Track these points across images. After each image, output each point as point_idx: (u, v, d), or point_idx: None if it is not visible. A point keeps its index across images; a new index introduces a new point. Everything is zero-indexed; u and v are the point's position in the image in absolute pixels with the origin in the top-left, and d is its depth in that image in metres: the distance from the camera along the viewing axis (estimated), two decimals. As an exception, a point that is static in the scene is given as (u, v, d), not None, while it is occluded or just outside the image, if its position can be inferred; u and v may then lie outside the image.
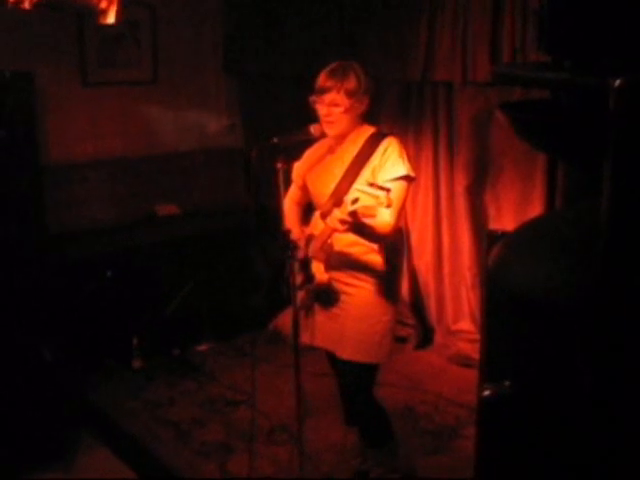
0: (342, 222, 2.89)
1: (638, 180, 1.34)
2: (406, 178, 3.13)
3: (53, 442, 3.98)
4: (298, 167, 3.43)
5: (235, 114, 6.13)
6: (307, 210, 3.54)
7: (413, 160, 4.88)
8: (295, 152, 3.43)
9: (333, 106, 3.14)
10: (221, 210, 5.76)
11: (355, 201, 2.79)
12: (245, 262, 5.33)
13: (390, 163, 3.13)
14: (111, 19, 3.79)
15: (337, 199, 3.07)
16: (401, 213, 3.18)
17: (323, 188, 3.28)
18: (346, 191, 3.09)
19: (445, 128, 4.87)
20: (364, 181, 3.08)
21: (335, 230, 2.98)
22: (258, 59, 5.68)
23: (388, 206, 2.80)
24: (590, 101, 1.45)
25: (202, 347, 5.35)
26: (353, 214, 2.85)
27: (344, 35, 5.09)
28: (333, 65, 3.19)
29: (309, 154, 3.44)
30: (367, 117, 3.28)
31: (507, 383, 1.60)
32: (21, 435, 3.87)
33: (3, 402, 3.84)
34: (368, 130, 3.25)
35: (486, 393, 1.61)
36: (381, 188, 2.77)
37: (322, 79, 3.16)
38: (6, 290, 4.07)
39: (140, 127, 5.63)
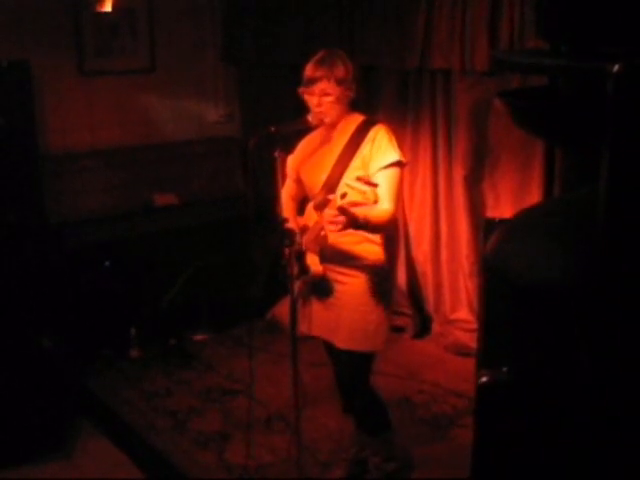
0: (333, 221, 2.87)
1: (636, 166, 1.33)
2: (398, 164, 3.13)
3: (52, 431, 3.99)
4: (291, 160, 3.42)
5: (233, 103, 6.11)
6: (304, 203, 3.53)
7: (411, 149, 4.93)
8: (293, 141, 3.42)
9: (324, 96, 3.13)
10: (219, 199, 5.74)
11: (344, 196, 2.80)
12: (243, 252, 5.32)
13: (381, 151, 3.13)
14: (108, 7, 3.79)
15: (329, 189, 3.07)
16: (398, 199, 3.19)
17: (315, 179, 3.28)
18: (337, 181, 3.10)
19: (443, 117, 4.86)
20: (354, 170, 3.09)
21: (331, 231, 2.98)
22: (256, 48, 5.66)
23: (375, 202, 2.80)
24: (588, 87, 1.45)
25: (200, 337, 5.35)
26: (342, 209, 2.83)
27: (343, 23, 5.08)
28: (319, 55, 3.17)
29: (301, 146, 3.43)
30: (363, 105, 3.28)
31: (504, 369, 1.60)
32: (21, 424, 3.88)
33: (2, 391, 3.84)
34: (357, 118, 3.25)
35: (483, 379, 1.61)
36: (368, 183, 2.77)
37: (310, 70, 3.14)
38: (5, 279, 4.07)
39: (137, 116, 5.61)
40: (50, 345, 4.06)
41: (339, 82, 3.12)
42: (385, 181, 3.03)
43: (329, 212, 2.88)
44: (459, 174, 4.83)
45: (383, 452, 3.62)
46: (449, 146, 4.88)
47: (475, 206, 4.84)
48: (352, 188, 2.77)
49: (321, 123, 3.20)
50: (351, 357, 3.31)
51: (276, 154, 3.02)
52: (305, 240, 3.18)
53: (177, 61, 5.73)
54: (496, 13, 4.26)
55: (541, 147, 4.33)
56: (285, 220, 3.10)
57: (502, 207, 4.62)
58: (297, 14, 5.32)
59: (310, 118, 3.17)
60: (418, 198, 5.14)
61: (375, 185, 2.78)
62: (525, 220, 1.83)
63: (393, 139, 3.18)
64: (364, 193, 2.75)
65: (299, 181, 3.43)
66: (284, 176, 3.27)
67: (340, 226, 2.88)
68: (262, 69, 5.81)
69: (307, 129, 3.33)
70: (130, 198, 5.45)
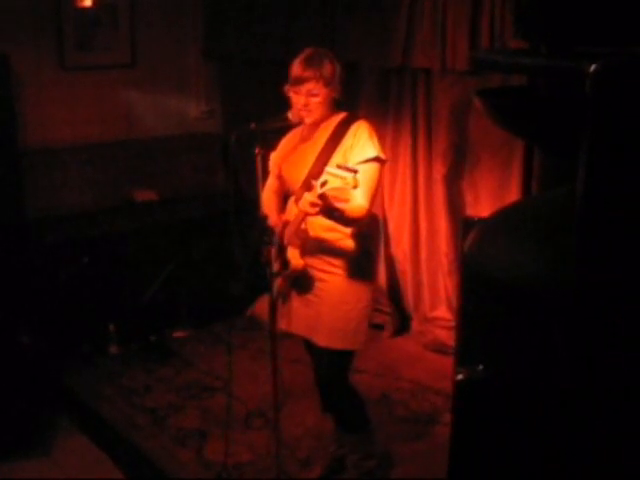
0: (313, 205, 2.88)
1: (613, 165, 1.34)
2: (377, 160, 3.13)
3: (31, 428, 3.96)
4: (274, 157, 3.42)
5: (214, 99, 6.10)
6: (286, 199, 3.53)
7: (391, 147, 4.93)
8: (274, 138, 3.42)
9: (311, 96, 3.12)
10: (200, 196, 5.73)
11: (324, 184, 2.80)
12: (223, 248, 5.31)
13: (360, 145, 3.13)
14: (88, 1, 3.77)
15: (310, 185, 3.07)
16: (374, 195, 3.18)
17: (297, 175, 3.27)
18: (318, 176, 3.09)
19: (424, 115, 4.87)
20: (335, 164, 3.08)
21: (307, 214, 2.97)
22: (238, 44, 5.64)
23: (355, 187, 2.79)
24: (567, 87, 1.46)
25: (179, 333, 5.34)
26: (322, 197, 2.84)
27: (325, 20, 5.07)
28: (306, 53, 3.15)
29: (284, 143, 3.43)
30: (343, 103, 3.28)
31: (480, 367, 1.61)
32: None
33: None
34: (340, 116, 3.25)
35: (460, 377, 1.61)
36: (348, 169, 2.77)
37: (299, 69, 3.12)
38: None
39: (118, 112, 5.59)
40: (28, 341, 4.03)
41: (327, 83, 3.11)
42: (361, 176, 2.97)
43: (308, 195, 2.89)
44: (439, 172, 4.84)
45: (362, 449, 3.62)
46: (429, 144, 4.90)
47: (454, 204, 4.86)
48: (333, 175, 2.77)
49: (302, 121, 3.20)
50: (331, 355, 3.31)
51: (256, 151, 3.01)
52: (286, 234, 3.18)
53: (159, 56, 5.71)
54: (477, 13, 4.28)
55: (520, 146, 4.35)
56: (264, 217, 3.10)
57: (481, 205, 4.64)
58: (279, 10, 5.31)
59: (291, 115, 3.17)
60: (398, 196, 5.15)
61: (355, 171, 2.78)
62: (504, 219, 1.84)
63: (374, 135, 3.17)
64: (344, 179, 2.74)
65: (281, 177, 3.43)
66: (264, 172, 3.26)
67: (317, 209, 2.89)
68: (243, 65, 5.80)
69: (288, 126, 3.32)
70: (110, 194, 5.44)
